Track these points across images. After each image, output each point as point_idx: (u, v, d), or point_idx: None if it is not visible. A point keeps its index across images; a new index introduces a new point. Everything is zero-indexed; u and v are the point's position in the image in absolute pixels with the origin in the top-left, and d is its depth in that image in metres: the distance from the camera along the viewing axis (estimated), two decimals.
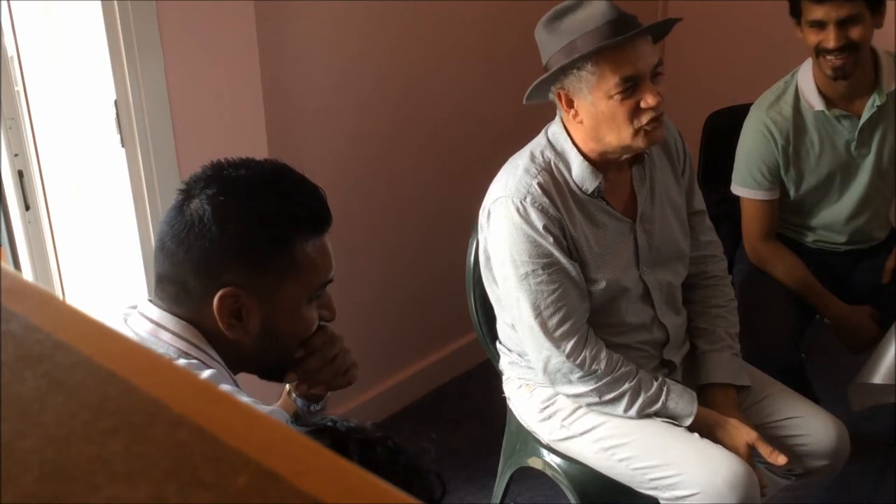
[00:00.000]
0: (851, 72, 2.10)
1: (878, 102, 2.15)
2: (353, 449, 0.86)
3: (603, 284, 1.72)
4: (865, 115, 2.17)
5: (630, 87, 1.60)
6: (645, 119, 1.62)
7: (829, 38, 2.05)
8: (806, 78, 2.20)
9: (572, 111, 1.66)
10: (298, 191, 1.20)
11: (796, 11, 2.13)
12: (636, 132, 1.63)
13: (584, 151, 1.70)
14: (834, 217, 2.31)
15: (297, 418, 1.33)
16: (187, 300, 1.13)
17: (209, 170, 1.17)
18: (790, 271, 2.28)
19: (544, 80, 1.66)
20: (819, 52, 2.10)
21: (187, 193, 1.14)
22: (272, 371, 1.25)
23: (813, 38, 2.09)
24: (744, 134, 2.28)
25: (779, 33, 2.43)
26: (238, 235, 1.12)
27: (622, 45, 1.58)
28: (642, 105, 1.61)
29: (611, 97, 1.60)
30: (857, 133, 2.19)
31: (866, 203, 2.28)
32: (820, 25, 2.07)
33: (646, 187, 1.79)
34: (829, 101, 2.18)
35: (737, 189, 2.30)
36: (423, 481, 0.89)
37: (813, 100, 2.18)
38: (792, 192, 2.27)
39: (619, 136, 1.64)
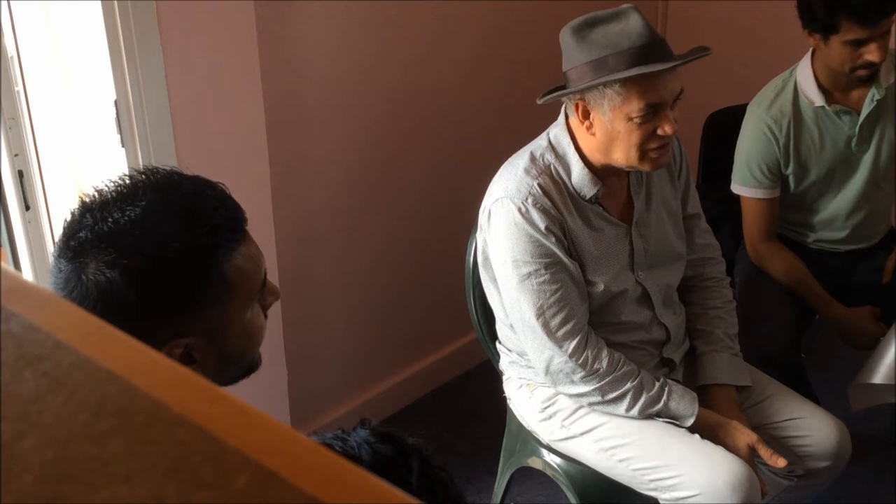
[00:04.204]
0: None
1: (877, 97, 2.16)
2: (415, 465, 0.84)
3: (601, 287, 1.72)
4: (865, 110, 2.18)
5: (651, 113, 1.60)
6: (655, 144, 1.63)
7: (874, 53, 2.04)
8: (805, 74, 2.20)
9: (587, 122, 1.66)
10: (203, 204, 1.04)
11: (827, 29, 2.06)
12: (644, 155, 1.64)
13: (587, 159, 1.70)
14: (833, 213, 2.32)
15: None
16: None
17: (88, 221, 0.99)
18: (790, 272, 2.28)
19: (569, 91, 1.65)
20: (856, 67, 2.08)
21: (76, 259, 0.98)
22: (241, 377, 1.17)
23: (848, 54, 2.06)
24: (743, 133, 2.28)
25: (778, 33, 2.43)
26: (162, 291, 0.99)
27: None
28: (659, 132, 1.62)
29: (630, 119, 1.60)
30: (857, 129, 2.19)
31: (865, 199, 2.29)
32: (860, 44, 2.04)
33: (642, 192, 1.79)
34: (829, 97, 2.19)
35: (737, 188, 2.30)
36: None
37: (813, 95, 2.19)
38: (792, 187, 2.27)
39: (626, 155, 1.64)
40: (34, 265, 1.88)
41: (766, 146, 2.22)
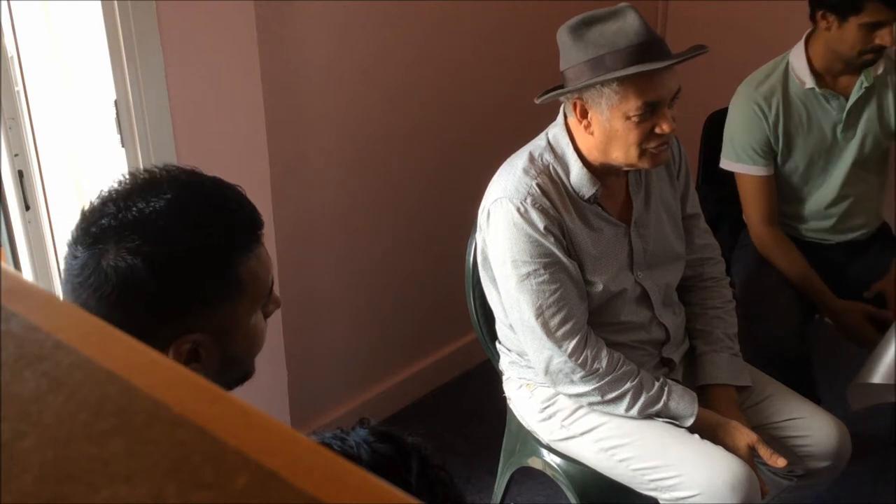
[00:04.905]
0: None
1: (865, 84, 2.21)
2: (415, 464, 0.84)
3: (600, 287, 1.72)
4: (854, 97, 2.22)
5: (649, 112, 1.60)
6: (654, 143, 1.63)
7: (888, 37, 2.09)
8: (798, 57, 2.25)
9: (585, 121, 1.66)
10: (225, 204, 1.06)
11: (848, 11, 2.09)
12: (643, 153, 1.64)
13: (585, 158, 1.70)
14: (819, 202, 2.35)
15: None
16: None
17: (111, 209, 1.01)
18: (792, 265, 2.29)
19: (566, 90, 1.65)
20: (866, 51, 2.13)
21: (96, 245, 0.99)
22: (236, 384, 1.17)
23: (862, 36, 2.11)
24: (733, 111, 2.32)
25: (778, 34, 2.43)
26: (182, 281, 1.01)
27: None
28: (657, 131, 1.62)
29: (628, 118, 1.60)
30: (844, 115, 2.23)
31: (849, 186, 2.32)
32: (877, 26, 2.09)
33: (641, 192, 1.79)
34: (819, 80, 2.23)
35: (731, 165, 2.32)
36: None
37: (804, 76, 2.23)
38: (780, 165, 2.31)
39: (626, 154, 1.64)
40: (34, 265, 1.88)
41: (755, 124, 2.25)
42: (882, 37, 2.09)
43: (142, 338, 1.03)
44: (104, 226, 1.00)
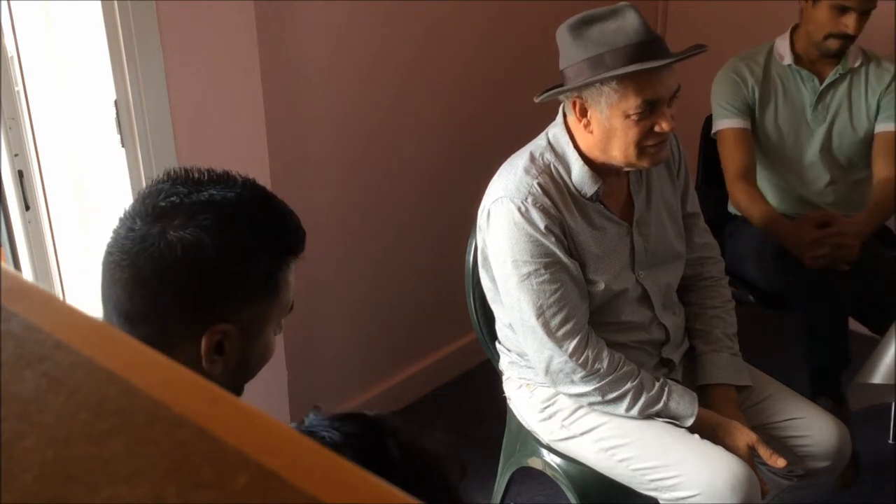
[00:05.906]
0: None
1: (841, 71, 2.34)
2: (389, 437, 0.84)
3: (601, 286, 1.72)
4: (828, 80, 2.35)
5: (648, 110, 1.60)
6: (653, 141, 1.63)
7: (851, 26, 2.21)
8: (783, 38, 2.40)
9: (584, 120, 1.66)
10: (285, 213, 1.13)
11: None
12: (642, 152, 1.64)
13: (586, 157, 1.70)
14: (789, 183, 2.43)
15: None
16: (163, 340, 1.02)
17: (182, 190, 1.05)
18: (760, 213, 2.33)
19: (566, 88, 1.65)
20: (830, 35, 2.26)
21: (163, 219, 1.02)
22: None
23: (830, 18, 2.23)
24: (716, 81, 2.44)
25: (779, 34, 2.44)
26: (238, 266, 1.04)
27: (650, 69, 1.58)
28: (656, 129, 1.62)
29: (628, 116, 1.60)
30: (816, 97, 2.35)
31: (816, 172, 2.40)
32: (844, 10, 2.20)
33: (642, 191, 1.79)
34: (798, 60, 2.37)
35: (714, 125, 2.43)
36: (442, 467, 0.88)
37: (785, 53, 2.38)
38: (757, 134, 2.41)
39: (625, 152, 1.64)
40: (34, 265, 1.88)
41: (734, 84, 2.39)
42: (846, 23, 2.20)
43: (182, 315, 1.01)
44: (174, 202, 1.03)
